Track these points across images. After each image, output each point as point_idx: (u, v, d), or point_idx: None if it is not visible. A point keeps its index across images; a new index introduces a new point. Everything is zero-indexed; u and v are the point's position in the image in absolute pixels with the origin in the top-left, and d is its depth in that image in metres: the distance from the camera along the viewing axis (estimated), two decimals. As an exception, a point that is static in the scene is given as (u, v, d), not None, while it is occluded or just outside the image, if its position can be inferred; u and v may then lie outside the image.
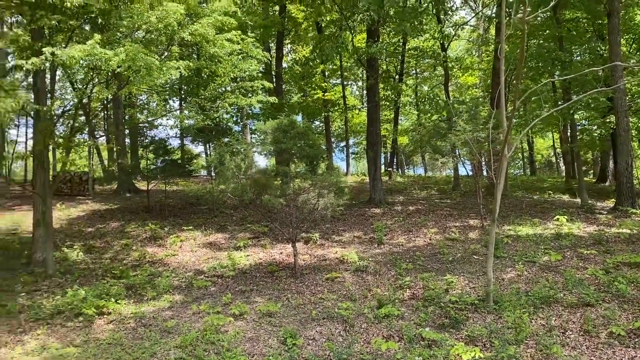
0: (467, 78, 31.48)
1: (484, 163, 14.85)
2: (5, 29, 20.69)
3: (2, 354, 8.49)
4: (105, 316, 10.03)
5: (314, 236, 14.94)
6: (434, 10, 21.99)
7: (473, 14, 31.18)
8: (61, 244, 14.88)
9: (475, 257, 12.55)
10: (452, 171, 25.46)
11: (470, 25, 31.71)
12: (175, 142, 33.44)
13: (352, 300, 10.21)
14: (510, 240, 13.60)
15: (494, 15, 22.95)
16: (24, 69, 9.62)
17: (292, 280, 11.72)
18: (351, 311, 9.58)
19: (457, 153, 17.99)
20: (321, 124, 36.62)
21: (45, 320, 9.89)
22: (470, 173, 23.51)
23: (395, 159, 33.59)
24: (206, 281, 11.98)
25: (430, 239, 14.54)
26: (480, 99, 24.70)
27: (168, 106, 34.09)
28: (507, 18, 10.93)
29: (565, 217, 14.78)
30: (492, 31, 25.96)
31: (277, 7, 26.12)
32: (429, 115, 28.30)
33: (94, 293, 10.74)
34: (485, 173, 17.13)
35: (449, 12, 24.00)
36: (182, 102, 30.04)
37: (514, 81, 20.83)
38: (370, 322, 9.18)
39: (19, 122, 37.15)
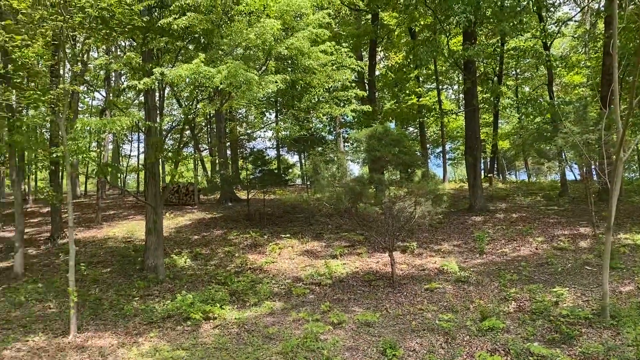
0: (573, 77, 29.52)
1: (593, 167, 13.82)
2: (119, 53, 22.59)
3: (120, 354, 9.18)
4: (211, 321, 10.51)
5: (411, 245, 14.69)
6: (535, 8, 20.89)
7: (578, 9, 29.25)
8: (170, 251, 15.86)
9: (588, 267, 11.68)
10: (559, 176, 23.92)
11: (575, 21, 29.74)
12: (272, 153, 34.58)
13: (454, 312, 9.89)
14: (627, 250, 12.51)
15: (602, 8, 21.35)
16: (137, 88, 10.40)
17: (390, 290, 11.59)
18: (453, 323, 9.27)
19: (564, 157, 16.87)
20: (415, 130, 36.10)
21: (157, 324, 10.56)
22: (579, 178, 21.94)
23: (495, 165, 32.25)
24: (304, 289, 12.18)
25: (536, 249, 13.74)
26: (589, 99, 23.03)
27: (265, 118, 35.41)
28: (619, 10, 10.12)
29: (694, 224, 13.33)
30: (601, 26, 24.15)
31: (369, 16, 26.19)
32: (531, 117, 26.85)
33: (201, 298, 11.30)
34: (595, 177, 15.93)
35: (551, 9, 22.66)
36: (278, 114, 31.02)
37: (628, 77, 19.23)
38: (473, 334, 8.82)
39: (131, 137, 40.45)
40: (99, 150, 30.30)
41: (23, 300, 12.33)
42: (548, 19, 23.53)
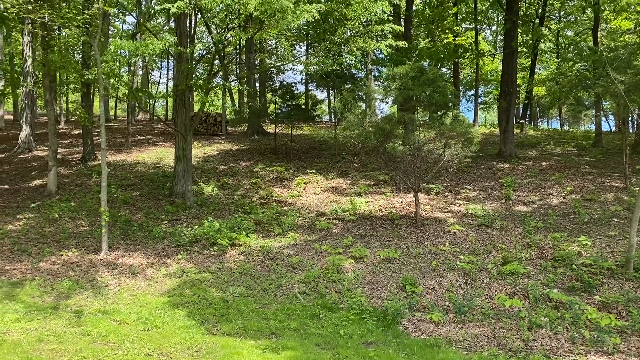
0: (621, 22, 27.93)
1: (632, 117, 13.34)
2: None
3: (149, 272, 9.57)
4: (236, 247, 10.82)
5: (437, 187, 14.64)
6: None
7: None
8: (198, 179, 16.13)
9: (616, 220, 11.53)
10: (594, 126, 23.18)
11: (630, -39, 27.80)
12: (301, 88, 34.17)
13: (475, 255, 9.96)
14: (659, 205, 12.25)
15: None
16: (170, 12, 10.22)
17: (412, 229, 11.68)
18: (473, 265, 9.37)
19: (602, 106, 16.29)
20: (448, 71, 35.08)
21: (184, 247, 10.92)
22: (614, 129, 21.24)
23: (528, 111, 31.37)
24: (328, 223, 12.35)
25: (564, 198, 13.57)
26: (636, 46, 21.89)
27: (295, 51, 34.75)
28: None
29: None
30: (658, -34, 22.49)
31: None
32: (571, 63, 25.73)
33: (227, 225, 11.58)
34: (631, 129, 15.43)
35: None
36: (309, 48, 30.38)
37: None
38: (494, 277, 8.92)
39: (161, 64, 40.34)
40: (130, 75, 30.36)
41: (57, 217, 12.83)
42: (600, -43, 22.02)
